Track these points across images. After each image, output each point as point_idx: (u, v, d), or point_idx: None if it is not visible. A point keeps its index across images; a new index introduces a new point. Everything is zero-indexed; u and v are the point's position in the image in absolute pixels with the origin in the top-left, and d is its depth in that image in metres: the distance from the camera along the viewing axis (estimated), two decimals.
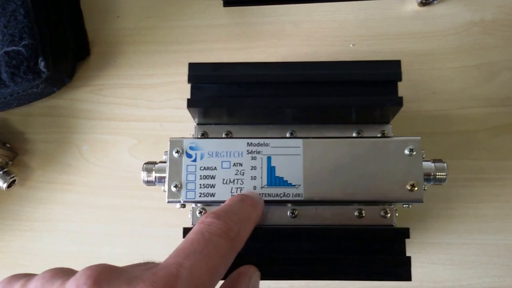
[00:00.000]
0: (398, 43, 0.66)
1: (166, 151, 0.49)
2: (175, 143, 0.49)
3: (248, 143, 0.48)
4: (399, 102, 0.47)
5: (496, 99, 0.64)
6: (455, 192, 0.62)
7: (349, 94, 0.49)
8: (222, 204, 0.43)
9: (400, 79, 0.48)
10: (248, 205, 0.44)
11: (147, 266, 0.35)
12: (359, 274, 0.48)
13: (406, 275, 0.47)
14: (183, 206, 0.49)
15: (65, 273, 0.33)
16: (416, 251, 0.62)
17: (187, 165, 0.48)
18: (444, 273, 0.62)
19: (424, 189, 0.47)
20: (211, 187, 0.48)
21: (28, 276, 0.34)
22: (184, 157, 0.48)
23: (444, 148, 0.63)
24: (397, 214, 0.49)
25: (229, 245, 0.38)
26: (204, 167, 0.48)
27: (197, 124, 0.52)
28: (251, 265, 0.43)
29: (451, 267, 0.62)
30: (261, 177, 0.48)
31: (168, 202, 0.48)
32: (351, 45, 0.66)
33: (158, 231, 0.64)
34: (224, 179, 0.48)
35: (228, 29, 0.69)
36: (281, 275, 0.47)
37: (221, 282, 0.39)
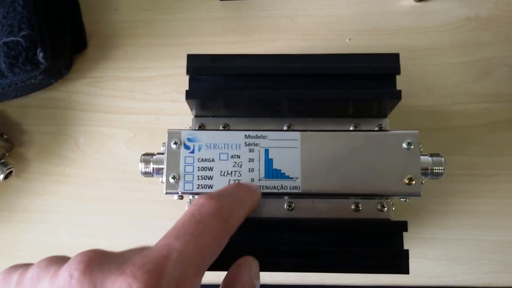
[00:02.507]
0: (394, 38, 0.66)
1: (164, 143, 0.49)
2: (173, 134, 0.49)
3: (246, 135, 0.49)
4: (397, 95, 0.47)
5: (492, 95, 0.64)
6: (450, 188, 0.63)
7: (348, 87, 0.49)
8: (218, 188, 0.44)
9: (399, 73, 0.48)
10: (243, 191, 0.44)
11: (141, 250, 0.35)
12: (356, 267, 0.48)
13: (403, 268, 0.47)
14: (181, 197, 0.49)
15: (60, 261, 0.34)
16: (411, 246, 0.62)
17: (185, 156, 0.48)
18: (439, 269, 0.62)
19: (422, 183, 0.48)
20: (209, 179, 0.48)
21: (26, 266, 0.35)
22: (182, 149, 0.48)
23: (439, 143, 0.63)
24: (393, 208, 0.49)
25: (221, 226, 0.38)
26: (202, 159, 0.48)
27: (194, 116, 0.52)
28: (248, 255, 0.43)
29: (446, 262, 0.62)
30: (259, 169, 0.48)
31: (166, 193, 0.48)
32: (347, 40, 0.67)
33: (154, 223, 0.64)
34: (222, 171, 0.48)
35: (224, 23, 0.69)
36: (277, 267, 0.47)
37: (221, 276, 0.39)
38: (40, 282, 0.33)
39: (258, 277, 0.42)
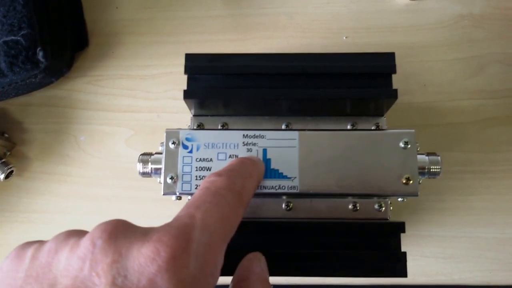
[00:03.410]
0: (390, 35, 0.67)
1: (162, 142, 0.49)
2: (171, 134, 0.49)
3: (244, 135, 0.49)
4: (393, 94, 0.47)
5: (486, 91, 0.64)
6: (445, 185, 0.63)
7: (344, 86, 0.49)
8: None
9: (395, 72, 0.49)
10: (248, 164, 0.45)
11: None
12: (354, 271, 0.48)
13: (401, 272, 0.47)
14: (179, 198, 0.50)
15: (80, 233, 0.34)
16: (408, 243, 0.62)
17: (183, 156, 0.48)
18: (437, 267, 0.62)
19: (419, 183, 0.48)
20: None
21: (41, 241, 0.34)
22: (180, 148, 0.48)
23: (434, 140, 0.63)
24: (391, 208, 0.50)
25: (235, 198, 0.39)
26: (200, 159, 0.48)
27: (193, 115, 0.52)
28: (255, 251, 0.43)
29: (443, 260, 0.62)
30: None
31: (164, 194, 0.48)
32: (344, 37, 0.67)
33: (154, 222, 0.63)
34: None
35: (224, 21, 0.69)
36: (274, 272, 0.46)
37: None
38: (58, 253, 0.32)
39: (267, 271, 0.43)
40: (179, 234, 0.31)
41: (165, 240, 0.30)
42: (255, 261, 0.42)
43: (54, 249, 0.32)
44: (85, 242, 0.31)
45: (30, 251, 0.33)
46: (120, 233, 0.31)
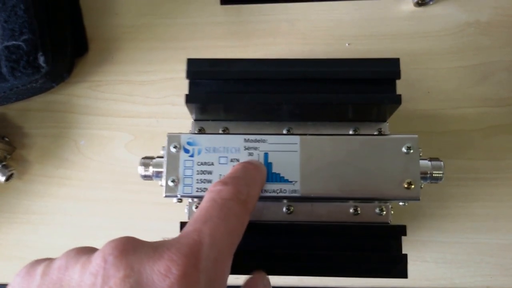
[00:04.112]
0: (394, 42, 0.66)
1: (164, 146, 0.49)
2: (173, 138, 0.49)
3: (245, 139, 0.49)
4: (397, 100, 0.47)
5: (491, 99, 0.64)
6: (448, 191, 0.63)
7: (348, 92, 0.49)
8: (227, 173, 0.44)
9: (399, 77, 0.48)
10: (251, 169, 0.45)
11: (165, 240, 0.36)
12: (355, 271, 0.48)
13: (402, 273, 0.47)
14: (180, 200, 0.49)
15: (89, 250, 0.34)
16: (410, 249, 0.62)
17: (185, 160, 0.48)
18: (437, 271, 0.62)
19: (421, 187, 0.48)
20: (208, 182, 0.48)
21: (50, 259, 0.35)
22: (182, 152, 0.48)
23: (438, 147, 0.63)
24: (392, 212, 0.49)
25: (241, 207, 0.39)
26: (202, 162, 0.48)
27: (194, 120, 0.52)
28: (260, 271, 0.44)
29: (444, 265, 0.62)
30: None
31: (165, 196, 0.48)
32: (346, 44, 0.67)
33: (154, 225, 0.65)
34: (221, 175, 0.48)
35: (225, 27, 0.69)
36: (275, 271, 0.47)
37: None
38: (69, 270, 0.33)
39: None
40: (189, 252, 0.32)
41: (176, 258, 0.31)
42: (260, 280, 0.43)
43: (64, 266, 0.33)
44: (96, 258, 0.32)
45: (40, 268, 0.34)
46: (130, 249, 0.32)
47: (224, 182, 0.41)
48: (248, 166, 0.45)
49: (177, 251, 0.32)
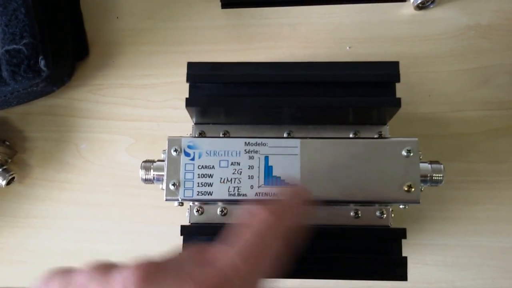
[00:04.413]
0: (395, 46, 0.66)
1: (165, 150, 0.49)
2: (173, 141, 0.49)
3: (246, 142, 0.49)
4: (397, 103, 0.47)
5: (491, 102, 0.64)
6: (449, 194, 0.63)
7: (348, 95, 0.49)
8: (277, 200, 0.41)
9: (399, 80, 0.49)
10: (299, 201, 0.43)
11: (200, 258, 0.34)
12: (355, 273, 0.48)
13: (402, 275, 0.47)
14: (181, 204, 0.50)
15: (107, 268, 0.32)
16: (411, 252, 0.62)
17: (185, 163, 0.48)
18: (438, 274, 0.62)
19: (421, 190, 0.48)
20: (208, 186, 0.48)
21: (68, 272, 0.33)
22: (183, 156, 0.49)
23: (439, 150, 0.63)
24: (392, 215, 0.49)
25: (283, 245, 0.37)
26: (202, 166, 0.48)
27: (194, 123, 0.53)
28: None
29: (445, 268, 0.62)
30: (258, 177, 0.48)
31: (166, 200, 0.48)
32: (347, 48, 0.67)
33: (155, 228, 0.65)
34: (221, 178, 0.48)
35: (226, 31, 0.69)
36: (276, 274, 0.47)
37: None
38: None
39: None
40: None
41: None
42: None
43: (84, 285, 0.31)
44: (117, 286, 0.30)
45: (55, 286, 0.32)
46: (154, 280, 0.30)
47: (272, 212, 0.38)
48: (295, 197, 0.43)
49: (201, 284, 0.30)
